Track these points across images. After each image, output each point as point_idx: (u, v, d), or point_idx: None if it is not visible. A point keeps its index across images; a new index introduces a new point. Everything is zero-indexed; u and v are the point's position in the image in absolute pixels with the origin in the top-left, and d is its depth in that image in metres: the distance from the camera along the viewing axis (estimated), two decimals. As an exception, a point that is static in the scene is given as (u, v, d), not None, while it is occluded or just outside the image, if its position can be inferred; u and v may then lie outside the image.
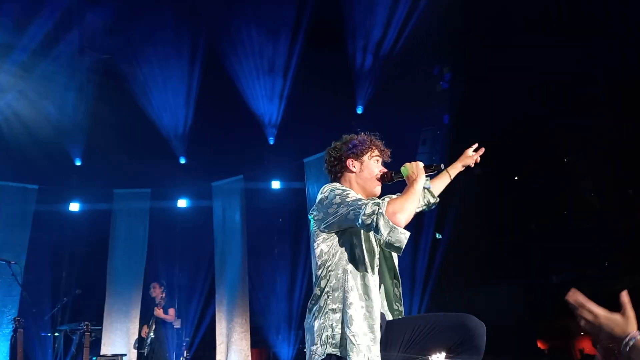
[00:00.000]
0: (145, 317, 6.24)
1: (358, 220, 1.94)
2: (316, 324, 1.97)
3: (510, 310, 7.64)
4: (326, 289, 2.01)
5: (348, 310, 1.93)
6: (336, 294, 1.98)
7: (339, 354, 1.90)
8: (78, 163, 8.21)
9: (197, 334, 7.47)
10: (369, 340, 1.91)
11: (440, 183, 2.53)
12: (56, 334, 6.44)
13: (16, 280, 6.09)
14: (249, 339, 7.03)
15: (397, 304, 2.20)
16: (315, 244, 2.09)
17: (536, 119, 9.07)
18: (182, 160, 8.59)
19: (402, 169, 2.18)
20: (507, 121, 8.68)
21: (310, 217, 2.19)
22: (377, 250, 2.12)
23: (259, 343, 7.35)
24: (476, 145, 2.61)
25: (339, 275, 2.00)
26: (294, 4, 7.62)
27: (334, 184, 2.20)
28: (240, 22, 7.87)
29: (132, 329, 7.01)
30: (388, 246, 1.92)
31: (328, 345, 1.92)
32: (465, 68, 8.47)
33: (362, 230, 2.03)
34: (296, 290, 7.49)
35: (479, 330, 2.00)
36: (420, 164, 2.14)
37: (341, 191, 2.06)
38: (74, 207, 8.09)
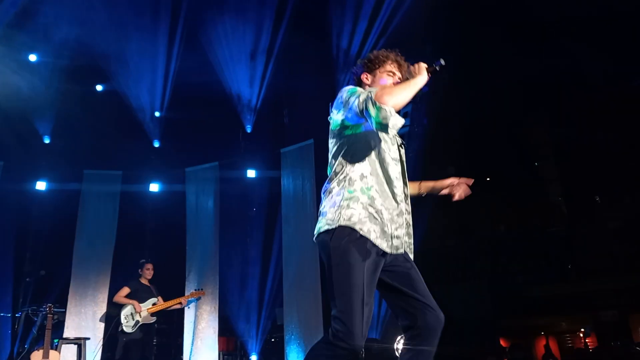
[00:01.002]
0: (143, 296, 6.08)
1: (353, 109, 2.07)
2: (329, 204, 2.11)
3: (475, 308, 7.83)
4: (343, 175, 2.13)
5: (365, 194, 2.08)
6: (352, 180, 2.11)
7: (353, 227, 2.02)
8: (47, 141, 7.97)
9: (163, 320, 7.38)
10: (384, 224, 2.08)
11: (412, 189, 2.48)
12: (17, 315, 6.26)
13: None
14: (217, 327, 6.99)
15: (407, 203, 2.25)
16: (334, 139, 2.23)
17: (510, 122, 9.27)
18: (156, 144, 8.42)
19: (412, 69, 2.26)
20: (483, 123, 8.85)
21: (329, 118, 2.29)
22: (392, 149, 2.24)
23: (227, 332, 7.33)
24: (456, 180, 2.56)
25: (359, 164, 2.13)
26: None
27: (350, 86, 2.28)
28: (222, 3, 7.73)
29: (99, 313, 6.86)
30: (379, 126, 2.01)
31: (343, 220, 2.03)
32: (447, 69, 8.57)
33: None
34: (267, 281, 7.48)
35: (439, 330, 2.13)
36: (424, 65, 2.22)
37: (355, 89, 2.17)
38: (41, 185, 7.85)
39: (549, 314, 9.06)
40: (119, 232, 7.53)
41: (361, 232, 2.01)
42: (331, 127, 2.26)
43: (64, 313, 6.50)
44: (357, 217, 2.04)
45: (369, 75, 2.37)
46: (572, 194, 10.01)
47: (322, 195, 2.21)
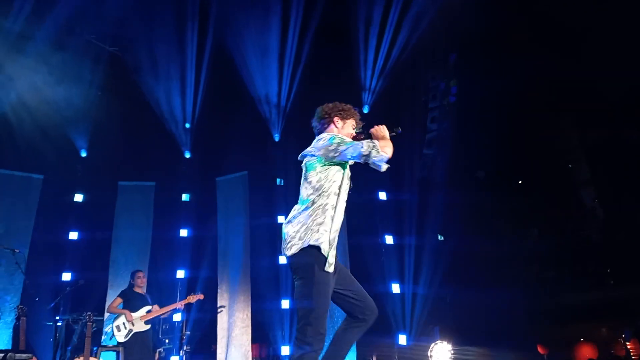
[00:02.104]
0: (136, 305, 6.17)
1: (358, 153, 2.66)
2: (302, 228, 2.64)
3: (509, 314, 7.66)
4: (317, 204, 2.67)
5: (330, 222, 2.66)
6: (325, 209, 2.67)
7: (320, 246, 2.59)
8: (83, 154, 8.23)
9: (198, 327, 7.48)
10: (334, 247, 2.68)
11: None
12: (58, 324, 6.44)
13: (19, 268, 6.14)
14: (250, 334, 7.05)
15: None
16: (310, 176, 2.74)
17: (541, 124, 9.09)
18: (187, 154, 8.60)
19: (371, 130, 2.88)
20: (512, 126, 8.72)
21: (304, 158, 2.83)
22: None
23: (260, 339, 7.37)
24: None
25: (329, 197, 2.69)
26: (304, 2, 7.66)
27: (330, 133, 2.88)
28: (249, 17, 7.89)
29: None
30: (383, 166, 2.72)
31: (312, 240, 2.59)
32: (468, 77, 8.52)
33: (344, 169, 2.78)
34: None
35: (374, 318, 2.81)
36: (385, 128, 2.84)
37: (340, 137, 2.79)
38: (78, 197, 8.10)
39: (585, 320, 8.78)
40: (153, 241, 7.70)
41: (323, 253, 2.59)
42: (310, 164, 2.76)
43: (102, 321, 6.65)
44: (323, 240, 2.61)
45: (340, 120, 2.96)
46: (607, 197, 9.73)
47: (291, 221, 2.71)
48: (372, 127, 2.88)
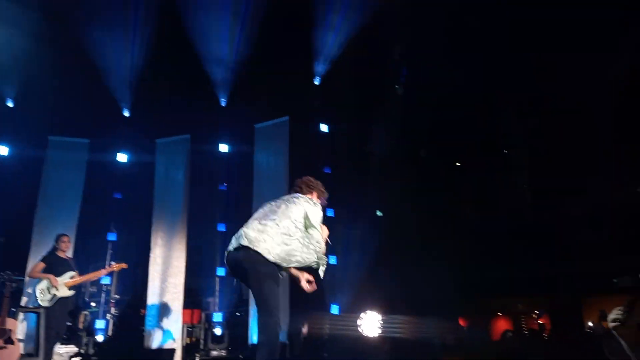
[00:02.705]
0: (59, 270, 5.95)
1: (316, 237, 3.38)
2: (284, 249, 3.23)
3: (439, 287, 8.02)
4: (293, 240, 3.30)
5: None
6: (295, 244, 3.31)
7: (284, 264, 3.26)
8: (10, 104, 7.66)
9: (128, 292, 7.32)
10: None
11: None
12: (-26, 282, 6.08)
13: None
14: (182, 299, 6.98)
15: None
16: (296, 220, 3.37)
17: (482, 108, 9.39)
18: (126, 113, 8.20)
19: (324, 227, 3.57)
20: (454, 109, 8.94)
21: (297, 201, 3.50)
22: None
23: (192, 304, 7.32)
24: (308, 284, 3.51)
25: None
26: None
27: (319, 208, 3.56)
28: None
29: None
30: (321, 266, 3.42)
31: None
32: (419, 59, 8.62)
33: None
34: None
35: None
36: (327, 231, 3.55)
37: (319, 218, 3.48)
38: (3, 150, 7.57)
39: (507, 295, 9.37)
40: (83, 202, 7.36)
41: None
42: (299, 217, 3.38)
43: (23, 281, 6.35)
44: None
45: (316, 196, 3.70)
46: (539, 182, 10.27)
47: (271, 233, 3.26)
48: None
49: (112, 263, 6.26)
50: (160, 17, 7.82)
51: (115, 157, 8.04)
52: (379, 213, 8.45)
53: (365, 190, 8.27)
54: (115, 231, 7.48)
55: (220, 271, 7.27)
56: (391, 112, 8.91)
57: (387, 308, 6.73)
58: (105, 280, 6.75)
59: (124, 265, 6.23)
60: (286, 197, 3.59)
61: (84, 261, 6.33)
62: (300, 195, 3.58)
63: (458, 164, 9.78)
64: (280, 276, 3.28)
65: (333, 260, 7.35)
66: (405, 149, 9.01)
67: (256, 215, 3.47)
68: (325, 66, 8.42)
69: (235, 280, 7.31)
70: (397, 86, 9.01)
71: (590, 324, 7.52)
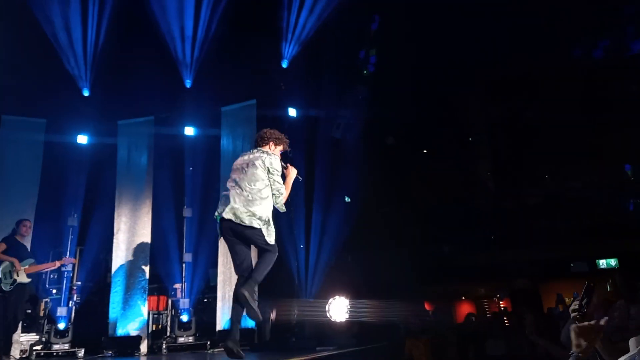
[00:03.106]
0: (21, 255, 5.71)
1: (277, 187, 3.96)
2: (259, 209, 3.84)
3: (404, 273, 8.19)
4: (266, 197, 3.91)
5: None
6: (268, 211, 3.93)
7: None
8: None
9: (91, 278, 7.09)
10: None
11: None
12: None
13: None
14: (147, 286, 6.81)
15: None
16: (258, 175, 3.92)
17: (448, 98, 9.56)
18: (86, 92, 7.83)
19: (289, 166, 4.15)
20: (421, 99, 9.06)
21: (266, 164, 3.95)
22: None
23: (157, 290, 7.17)
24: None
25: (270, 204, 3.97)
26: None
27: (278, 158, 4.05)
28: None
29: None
30: (279, 208, 4.03)
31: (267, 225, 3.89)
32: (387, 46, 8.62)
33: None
34: (201, 241, 7.35)
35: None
36: (295, 171, 4.16)
37: (279, 165, 4.03)
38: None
39: (470, 280, 9.69)
40: (41, 185, 7.03)
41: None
42: (262, 173, 3.93)
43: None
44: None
45: (274, 146, 4.14)
46: (499, 170, 10.60)
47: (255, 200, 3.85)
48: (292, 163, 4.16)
49: (66, 257, 6.16)
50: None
51: (75, 138, 7.69)
52: (347, 199, 8.49)
53: (334, 176, 8.29)
54: (76, 215, 7.18)
55: (187, 257, 7.14)
56: (359, 98, 8.92)
57: (355, 293, 6.82)
58: (67, 267, 6.51)
59: (73, 260, 6.08)
60: (247, 156, 4.03)
61: (45, 247, 6.07)
62: (260, 150, 4.04)
63: (424, 151, 9.95)
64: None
65: (301, 245, 7.36)
66: (373, 135, 9.07)
67: (237, 186, 3.90)
68: (294, 49, 8.30)
69: (202, 266, 7.23)
70: (365, 71, 9.02)
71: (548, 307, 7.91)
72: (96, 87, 7.86)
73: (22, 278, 5.59)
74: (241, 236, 3.82)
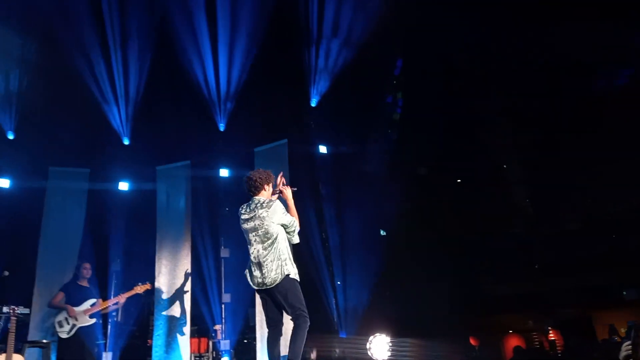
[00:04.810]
0: (79, 298, 5.90)
1: (292, 224, 4.09)
2: (277, 263, 3.92)
3: (442, 307, 7.98)
4: (281, 248, 3.99)
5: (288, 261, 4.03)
6: (287, 249, 4.06)
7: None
8: (10, 137, 7.64)
9: (133, 321, 7.21)
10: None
11: None
12: (-23, 318, 5.96)
13: None
14: (189, 328, 6.88)
15: None
16: (268, 229, 3.98)
17: (478, 125, 9.50)
18: (126, 141, 8.21)
19: (282, 188, 4.26)
20: (451, 127, 9.05)
21: (255, 216, 4.01)
22: None
23: (198, 333, 7.21)
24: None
25: (286, 241, 4.09)
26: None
27: (279, 203, 4.08)
28: (198, 6, 7.63)
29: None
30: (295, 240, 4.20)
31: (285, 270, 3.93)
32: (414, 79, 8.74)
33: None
34: (239, 281, 7.40)
35: None
36: (289, 189, 4.26)
37: (283, 208, 4.09)
38: (4, 183, 7.52)
39: (514, 311, 9.32)
40: (85, 232, 7.30)
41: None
42: (274, 226, 3.98)
43: (28, 315, 6.25)
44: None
45: (267, 185, 4.17)
46: (537, 196, 10.34)
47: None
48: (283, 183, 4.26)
49: (139, 284, 6.24)
50: (157, 45, 7.92)
51: (117, 185, 8.01)
52: (382, 232, 8.44)
53: (367, 210, 8.28)
54: (119, 260, 7.40)
55: (226, 297, 7.19)
56: (388, 132, 8.99)
57: (395, 330, 6.68)
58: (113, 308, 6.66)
59: (147, 286, 6.23)
60: (251, 224, 4.01)
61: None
62: (256, 205, 4.04)
63: (459, 181, 9.85)
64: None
65: (338, 282, 7.32)
66: (404, 168, 9.07)
67: (255, 254, 3.99)
68: (322, 88, 8.51)
69: (241, 307, 7.26)
70: (393, 115, 9.09)
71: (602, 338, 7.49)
72: (135, 136, 8.24)
73: (83, 321, 5.77)
74: (271, 295, 3.96)
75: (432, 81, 8.58)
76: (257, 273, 3.94)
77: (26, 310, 6.03)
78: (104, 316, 6.83)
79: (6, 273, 6.11)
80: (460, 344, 7.35)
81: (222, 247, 7.52)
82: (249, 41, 8.06)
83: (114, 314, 6.85)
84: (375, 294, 7.29)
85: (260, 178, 4.17)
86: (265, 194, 4.15)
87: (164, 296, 7.05)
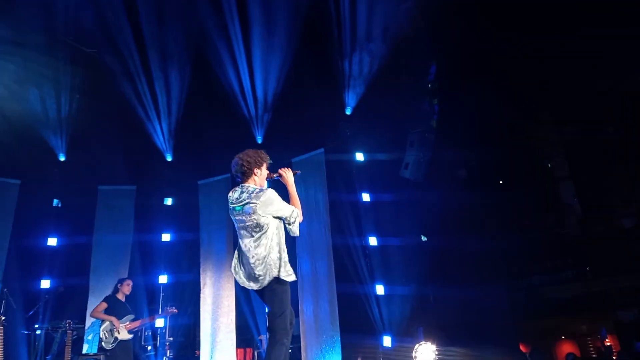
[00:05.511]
0: (120, 312, 6.13)
1: (290, 216, 3.52)
2: (264, 261, 3.40)
3: (493, 311, 7.75)
4: (271, 245, 3.45)
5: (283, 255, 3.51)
6: (280, 245, 3.51)
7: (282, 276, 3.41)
8: (62, 158, 8.07)
9: (181, 333, 7.41)
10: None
11: None
12: (37, 332, 6.31)
13: (-4, 277, 6.00)
14: (234, 338, 7.00)
15: None
16: (258, 221, 3.45)
17: (518, 123, 9.22)
18: (169, 158, 8.50)
19: (281, 171, 3.72)
20: (490, 124, 8.82)
21: (247, 207, 3.49)
22: None
23: (244, 343, 7.33)
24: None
25: (280, 237, 3.54)
26: (287, 7, 7.62)
27: (272, 191, 3.52)
28: (232, 22, 7.81)
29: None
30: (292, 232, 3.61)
31: (275, 271, 3.40)
32: (450, 75, 8.58)
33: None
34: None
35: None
36: (290, 171, 3.74)
37: (278, 196, 3.52)
38: (57, 202, 7.94)
39: (566, 314, 8.92)
40: (134, 247, 7.60)
41: None
42: (266, 218, 3.45)
43: (83, 329, 6.55)
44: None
45: (257, 169, 3.62)
46: (586, 193, 9.92)
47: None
48: (280, 167, 3.75)
49: (168, 308, 6.40)
50: (194, 62, 8.16)
51: (162, 200, 8.29)
52: (423, 238, 8.31)
53: (407, 215, 8.18)
54: (166, 274, 7.64)
55: (270, 307, 7.26)
56: (426, 136, 8.85)
57: (441, 337, 6.54)
58: (160, 323, 6.88)
59: (173, 311, 6.38)
60: (239, 216, 3.51)
61: (138, 305, 6.49)
62: (244, 191, 3.51)
63: (500, 182, 9.58)
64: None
65: (381, 289, 7.26)
66: (443, 171, 8.90)
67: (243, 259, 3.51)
68: (356, 95, 8.51)
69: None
70: (431, 121, 8.94)
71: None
72: (177, 152, 8.51)
73: (124, 335, 5.98)
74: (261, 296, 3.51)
75: (468, 78, 8.40)
76: (241, 270, 3.46)
77: (81, 325, 6.36)
78: (153, 329, 7.08)
79: (61, 288, 6.45)
80: (509, 351, 7.10)
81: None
82: (283, 52, 8.18)
83: (161, 326, 7.07)
84: (418, 300, 7.17)
85: (248, 161, 3.59)
86: (257, 180, 3.59)
87: (209, 307, 7.21)
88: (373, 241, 7.59)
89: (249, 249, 3.41)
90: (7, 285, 6.24)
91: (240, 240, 3.51)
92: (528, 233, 9.66)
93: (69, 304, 6.82)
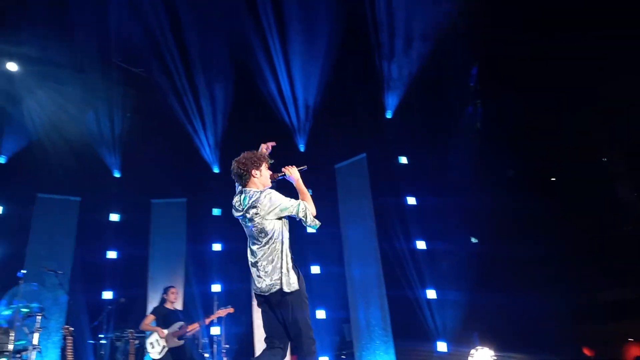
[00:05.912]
0: (169, 321, 6.32)
1: (297, 211, 3.36)
2: (272, 267, 3.36)
3: (551, 316, 7.47)
4: (277, 249, 3.38)
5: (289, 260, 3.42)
6: (283, 252, 3.39)
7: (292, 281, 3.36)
8: (117, 175, 8.45)
9: (236, 340, 7.55)
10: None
11: None
12: (102, 342, 6.62)
13: (63, 289, 6.36)
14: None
15: None
16: (263, 226, 3.36)
17: (571, 119, 8.88)
18: (216, 169, 8.75)
19: (285, 170, 3.58)
20: (539, 122, 8.54)
21: (247, 216, 3.40)
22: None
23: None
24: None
25: (283, 242, 3.41)
26: (326, 14, 7.70)
27: (271, 191, 3.41)
28: (271, 33, 7.98)
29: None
30: (314, 228, 3.48)
31: (282, 276, 3.33)
32: (495, 70, 8.39)
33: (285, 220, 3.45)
34: (329, 296, 7.51)
35: None
36: (295, 168, 3.60)
37: (278, 195, 3.40)
38: (115, 217, 8.32)
39: (629, 318, 8.46)
40: (187, 257, 7.85)
41: None
42: (271, 222, 3.36)
43: (144, 338, 6.79)
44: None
45: (256, 170, 3.48)
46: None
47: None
48: (284, 165, 3.62)
49: (221, 308, 6.59)
50: (237, 74, 8.38)
51: (211, 212, 8.54)
52: (473, 240, 8.13)
53: (455, 219, 8.03)
54: (219, 282, 7.84)
55: (320, 314, 7.32)
56: (470, 138, 8.69)
57: (497, 342, 6.36)
58: (215, 331, 7.06)
59: (230, 310, 6.49)
60: (243, 222, 3.48)
61: (194, 313, 6.68)
62: (249, 204, 3.37)
63: (553, 179, 9.23)
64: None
65: (432, 294, 7.17)
66: (491, 173, 8.69)
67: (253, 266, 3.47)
68: (396, 99, 8.47)
69: (335, 322, 7.35)
70: (477, 125, 8.78)
71: None
72: (223, 163, 8.74)
73: (172, 343, 6.17)
74: (270, 305, 3.41)
75: (514, 74, 8.20)
76: (254, 276, 3.40)
77: (143, 334, 6.62)
78: (209, 336, 7.26)
79: (123, 299, 6.74)
80: (571, 356, 6.81)
81: (311, 263, 7.68)
82: (321, 60, 8.27)
83: (217, 334, 7.24)
84: (471, 305, 7.01)
85: (244, 163, 3.46)
86: (257, 182, 3.46)
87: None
88: (421, 245, 7.51)
89: (255, 255, 3.38)
90: (72, 298, 6.58)
91: (249, 248, 3.47)
92: (584, 234, 9.25)
93: (131, 314, 7.11)
